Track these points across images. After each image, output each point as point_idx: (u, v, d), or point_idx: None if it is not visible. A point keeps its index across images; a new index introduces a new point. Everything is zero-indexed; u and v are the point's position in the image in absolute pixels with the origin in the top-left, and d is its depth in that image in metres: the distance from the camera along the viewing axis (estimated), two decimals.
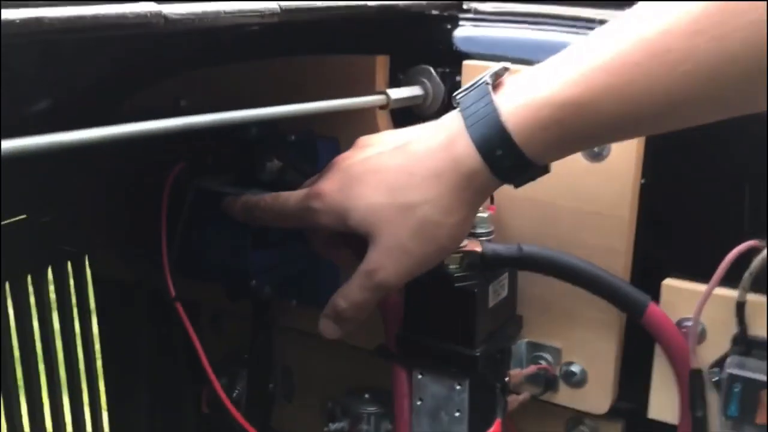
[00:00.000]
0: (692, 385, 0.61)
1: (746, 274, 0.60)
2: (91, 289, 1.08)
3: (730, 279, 0.62)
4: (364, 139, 0.63)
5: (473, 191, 0.53)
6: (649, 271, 0.68)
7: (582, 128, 0.49)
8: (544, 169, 0.53)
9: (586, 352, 0.70)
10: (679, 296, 0.65)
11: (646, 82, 0.45)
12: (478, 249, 0.64)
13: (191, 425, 0.83)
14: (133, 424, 0.93)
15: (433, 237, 0.55)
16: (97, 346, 1.07)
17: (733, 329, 0.63)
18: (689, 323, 0.63)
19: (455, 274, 0.64)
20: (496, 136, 0.49)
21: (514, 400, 0.71)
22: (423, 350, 0.66)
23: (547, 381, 0.72)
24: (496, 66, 0.53)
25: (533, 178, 0.54)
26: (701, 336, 0.63)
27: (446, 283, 0.64)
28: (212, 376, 0.73)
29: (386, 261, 0.56)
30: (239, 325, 0.97)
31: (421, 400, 0.67)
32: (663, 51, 0.44)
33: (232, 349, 0.96)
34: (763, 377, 0.58)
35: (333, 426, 0.84)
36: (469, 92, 0.52)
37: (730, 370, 0.59)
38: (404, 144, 0.57)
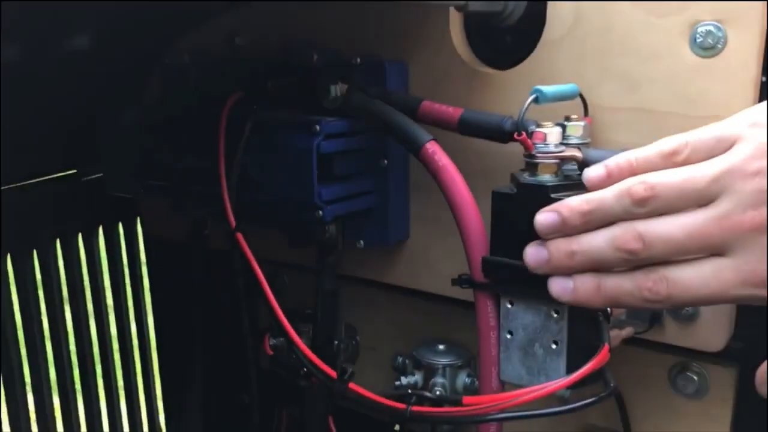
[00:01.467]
0: None
1: None
2: (142, 249, 1.03)
3: None
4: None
5: None
6: None
7: None
8: None
9: None
10: None
11: None
12: (578, 155, 0.57)
13: (252, 380, 0.77)
14: (189, 385, 0.87)
15: None
16: (149, 305, 1.02)
17: None
18: None
19: (550, 184, 0.56)
20: None
21: (615, 336, 0.62)
22: (514, 274, 0.58)
23: (652, 315, 0.64)
24: None
25: None
26: None
27: (541, 194, 0.56)
28: (281, 316, 0.66)
29: None
30: (299, 284, 0.91)
31: (510, 333, 0.60)
32: None
33: (292, 309, 0.90)
34: None
35: (405, 380, 0.77)
36: None
37: None
38: None
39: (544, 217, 0.53)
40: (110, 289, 1.03)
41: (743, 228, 0.46)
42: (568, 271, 0.53)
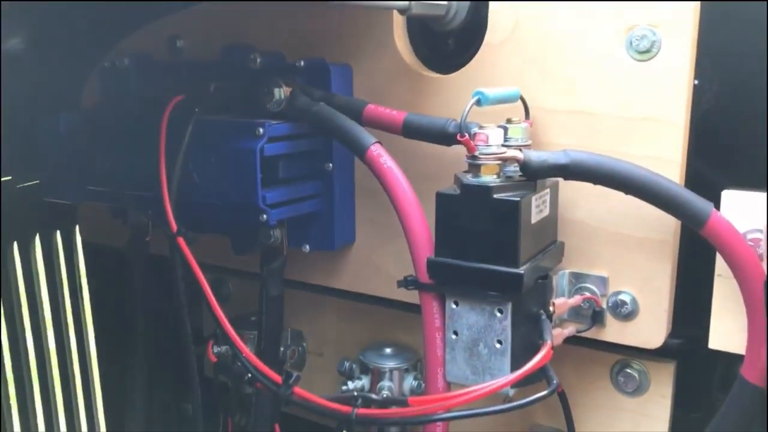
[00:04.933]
0: None
1: None
2: (81, 256, 1.00)
3: None
4: None
5: None
6: (702, 184, 0.61)
7: None
8: None
9: (636, 277, 0.63)
10: (742, 207, 0.58)
11: None
12: (519, 156, 0.57)
13: (195, 389, 0.75)
14: (131, 395, 0.85)
15: None
16: (89, 314, 0.99)
17: None
18: (755, 234, 0.57)
19: (493, 185, 0.57)
20: None
21: (558, 335, 0.63)
22: (459, 274, 0.58)
23: (593, 314, 0.65)
24: None
25: None
26: None
27: (484, 195, 0.57)
28: (225, 323, 0.65)
29: None
30: (245, 290, 0.90)
31: (456, 333, 0.60)
32: None
33: (237, 315, 0.89)
34: None
35: (351, 385, 0.77)
36: None
37: None
38: None
39: None
40: (48, 299, 1.00)
41: None
42: None
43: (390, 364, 0.77)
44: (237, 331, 0.78)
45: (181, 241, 0.66)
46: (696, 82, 0.60)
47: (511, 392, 0.60)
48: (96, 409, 1.06)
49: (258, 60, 0.71)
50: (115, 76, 0.80)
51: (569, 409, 0.69)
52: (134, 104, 0.78)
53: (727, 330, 0.60)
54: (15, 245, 0.96)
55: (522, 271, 0.56)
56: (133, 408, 0.87)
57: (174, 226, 0.67)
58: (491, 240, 0.57)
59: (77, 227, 1.00)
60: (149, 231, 0.82)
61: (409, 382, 0.77)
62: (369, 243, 0.77)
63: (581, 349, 0.68)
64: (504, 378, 0.56)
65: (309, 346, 0.88)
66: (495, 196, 0.56)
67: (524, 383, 0.58)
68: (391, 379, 0.76)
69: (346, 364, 0.80)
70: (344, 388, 0.76)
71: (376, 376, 0.77)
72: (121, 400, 0.86)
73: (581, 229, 0.65)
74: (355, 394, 0.61)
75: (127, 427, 0.87)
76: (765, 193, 0.57)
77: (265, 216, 0.67)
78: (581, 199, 0.64)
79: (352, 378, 0.78)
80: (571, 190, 0.64)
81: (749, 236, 0.57)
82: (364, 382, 0.77)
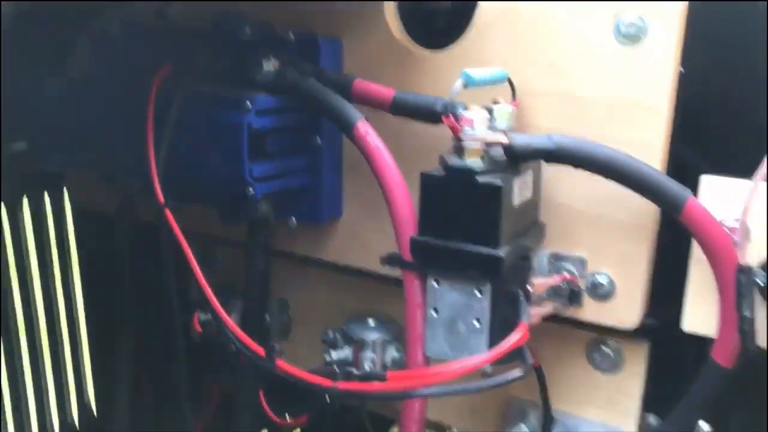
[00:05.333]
0: (739, 283, 0.56)
1: None
2: (70, 219, 1.01)
3: None
4: None
5: None
6: (683, 169, 0.62)
7: None
8: None
9: (614, 259, 0.64)
10: (720, 193, 0.59)
11: None
12: (504, 140, 0.58)
13: (182, 354, 0.77)
14: (119, 359, 0.87)
15: None
16: (78, 277, 1.00)
17: None
18: (733, 222, 0.58)
19: (477, 168, 0.58)
20: None
21: (536, 314, 0.65)
22: (440, 254, 0.59)
23: (571, 294, 0.66)
24: None
25: None
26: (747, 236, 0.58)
27: (467, 178, 0.57)
28: (209, 292, 0.66)
29: None
30: (231, 259, 0.91)
31: (436, 310, 0.61)
32: None
33: (225, 282, 0.90)
34: None
35: (335, 354, 0.78)
36: None
37: None
38: None
39: None
40: (37, 262, 1.01)
41: None
42: None
43: (373, 335, 0.78)
44: (224, 300, 0.80)
45: (168, 212, 0.67)
46: (682, 69, 0.61)
47: (489, 369, 0.61)
48: (84, 372, 1.08)
49: (248, 31, 0.71)
50: (104, 42, 0.80)
51: (545, 384, 0.71)
52: (123, 71, 0.78)
53: (701, 314, 0.62)
54: (3, 207, 0.96)
55: (502, 254, 0.57)
56: (120, 372, 0.89)
57: (161, 197, 0.68)
58: (473, 222, 0.58)
59: (65, 191, 1.01)
60: (137, 199, 0.82)
61: (391, 353, 0.78)
62: (356, 218, 0.78)
63: (559, 327, 0.70)
64: (482, 356, 0.57)
65: (295, 315, 0.90)
66: (478, 179, 0.57)
67: (502, 361, 0.59)
68: (373, 351, 0.78)
69: (331, 334, 0.81)
70: (327, 357, 0.78)
71: (359, 346, 0.78)
72: (110, 364, 0.87)
73: (563, 211, 0.66)
74: (336, 368, 0.62)
75: (115, 390, 0.89)
76: (745, 181, 0.58)
77: (251, 189, 0.68)
78: (564, 182, 0.65)
79: (335, 348, 0.80)
80: (554, 172, 0.65)
81: (727, 223, 0.59)
82: (348, 352, 0.79)
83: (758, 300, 0.57)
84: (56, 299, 1.01)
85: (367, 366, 0.77)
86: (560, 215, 0.66)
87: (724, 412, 0.67)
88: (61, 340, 1.04)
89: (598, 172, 0.58)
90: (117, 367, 0.91)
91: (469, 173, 0.57)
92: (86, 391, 1.08)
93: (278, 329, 0.89)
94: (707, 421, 0.66)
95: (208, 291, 0.66)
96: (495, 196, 0.57)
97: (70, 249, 1.01)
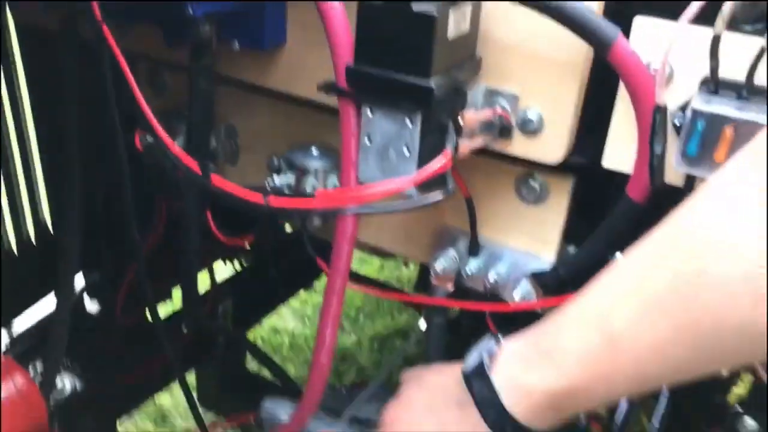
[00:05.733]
0: (654, 120, 0.58)
1: (726, 4, 0.55)
2: (14, 37, 0.98)
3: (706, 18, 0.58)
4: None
5: None
6: (618, 11, 0.63)
7: (577, 407, 0.58)
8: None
9: (545, 96, 0.66)
10: (651, 36, 0.61)
11: (633, 368, 0.51)
12: None
13: (125, 174, 0.79)
14: (70, 178, 0.88)
15: None
16: (26, 95, 0.99)
17: (701, 74, 0.60)
18: (659, 65, 0.60)
19: None
20: (507, 424, 0.57)
21: (466, 146, 0.67)
22: (374, 83, 0.61)
23: (501, 128, 0.69)
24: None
25: None
26: (668, 78, 0.60)
27: (403, 6, 0.58)
28: (146, 110, 0.67)
29: None
30: (180, 84, 0.91)
31: (369, 138, 0.64)
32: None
33: (171, 107, 0.91)
34: (729, 113, 0.55)
35: (278, 179, 0.81)
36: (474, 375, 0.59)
37: (695, 105, 0.56)
38: None
39: None
40: None
41: None
42: None
43: (315, 163, 0.81)
44: (168, 123, 0.81)
45: (105, 29, 0.66)
46: None
47: (416, 194, 0.65)
48: (37, 189, 1.10)
49: None
50: None
51: (474, 213, 0.76)
52: None
53: (621, 151, 0.65)
54: None
55: (432, 85, 0.59)
56: (71, 191, 0.91)
57: (99, 15, 0.67)
58: (407, 51, 0.59)
59: (6, 4, 0.97)
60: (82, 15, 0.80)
61: (333, 181, 0.81)
62: (301, 45, 0.78)
63: (489, 161, 0.73)
64: (407, 178, 0.61)
65: (242, 142, 0.92)
66: (414, 8, 0.57)
67: (427, 187, 0.63)
68: (316, 178, 0.81)
69: (275, 160, 0.84)
70: (268, 181, 0.81)
71: (302, 173, 0.81)
72: (62, 182, 0.89)
73: (500, 45, 0.67)
74: (268, 187, 0.65)
75: (68, 209, 0.91)
76: (675, 23, 0.59)
77: (190, 9, 0.67)
78: (502, 17, 0.65)
79: (279, 173, 0.82)
80: (492, 6, 0.65)
81: (654, 65, 0.60)
82: (290, 178, 0.81)
83: (672, 140, 0.60)
84: (4, 118, 1.01)
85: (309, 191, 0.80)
86: (497, 50, 0.67)
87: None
88: (12, 157, 1.05)
89: (533, 8, 0.59)
90: (68, 185, 0.92)
91: (404, 1, 0.58)
92: (41, 208, 1.11)
93: (225, 154, 0.92)
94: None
95: (146, 108, 0.67)
96: (428, 25, 0.58)
97: (15, 63, 1.00)
